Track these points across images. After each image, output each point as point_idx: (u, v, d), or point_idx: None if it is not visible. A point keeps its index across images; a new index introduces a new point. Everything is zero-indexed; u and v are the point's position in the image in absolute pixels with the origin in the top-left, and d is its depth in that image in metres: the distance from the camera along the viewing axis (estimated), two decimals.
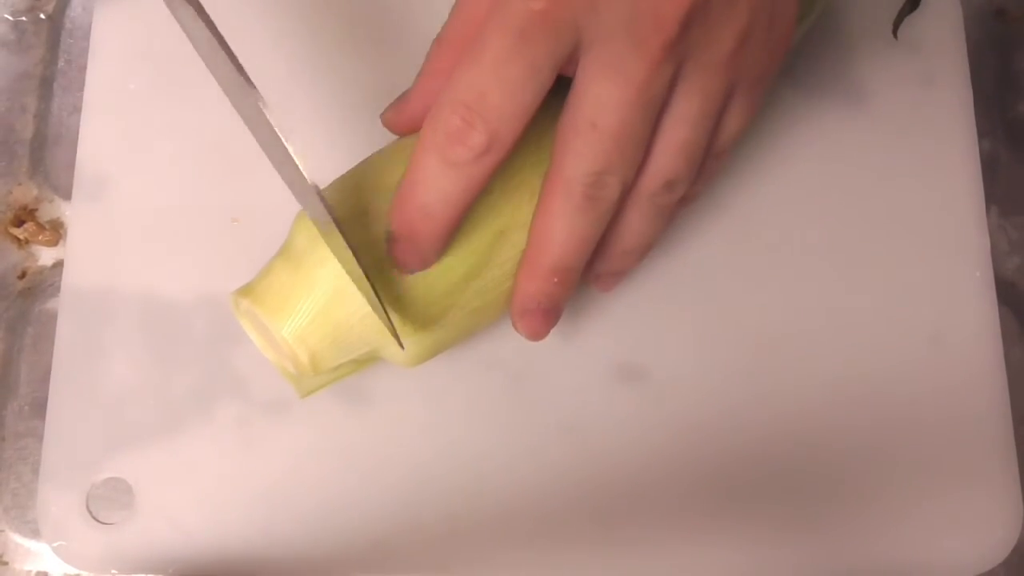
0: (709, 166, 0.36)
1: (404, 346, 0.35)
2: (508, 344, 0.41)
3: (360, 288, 0.33)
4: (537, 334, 0.35)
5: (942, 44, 0.45)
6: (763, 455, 0.41)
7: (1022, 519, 0.40)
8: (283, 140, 0.31)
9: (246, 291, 0.36)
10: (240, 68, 0.32)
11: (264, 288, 0.35)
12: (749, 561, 0.40)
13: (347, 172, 0.37)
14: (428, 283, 0.35)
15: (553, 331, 0.41)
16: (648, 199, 0.34)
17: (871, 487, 0.40)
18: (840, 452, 0.41)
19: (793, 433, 0.41)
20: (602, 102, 0.30)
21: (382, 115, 0.36)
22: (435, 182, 0.32)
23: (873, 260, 0.43)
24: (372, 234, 0.34)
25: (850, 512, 0.40)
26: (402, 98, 0.36)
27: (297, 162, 0.32)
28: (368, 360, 0.38)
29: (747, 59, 0.33)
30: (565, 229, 0.33)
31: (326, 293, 0.35)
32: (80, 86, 0.45)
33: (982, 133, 0.45)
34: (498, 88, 0.30)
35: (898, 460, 0.41)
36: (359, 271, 0.32)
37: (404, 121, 0.36)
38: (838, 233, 0.43)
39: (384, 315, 0.33)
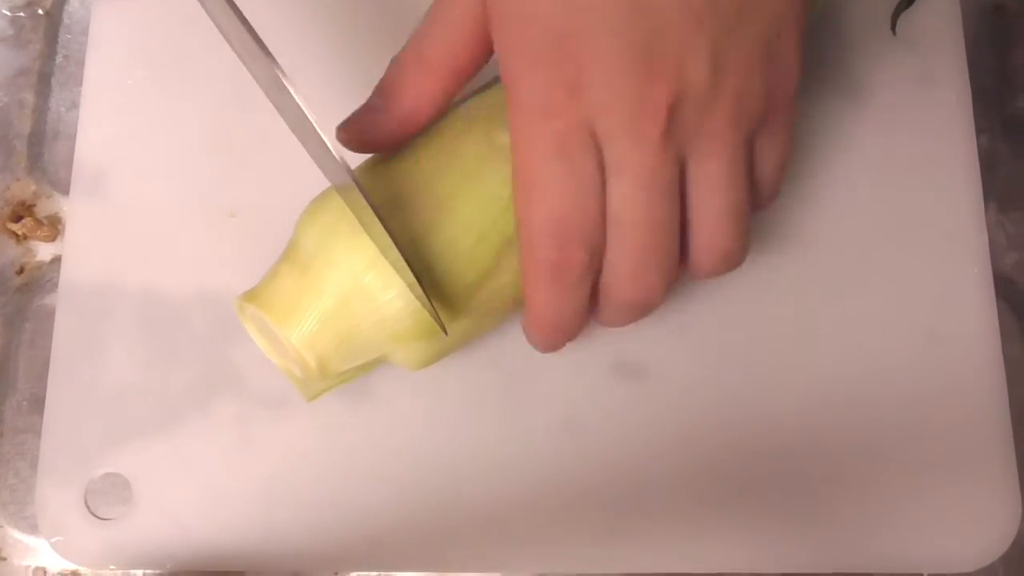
0: (765, 204, 0.36)
1: (418, 350, 0.35)
2: (507, 342, 0.41)
3: (398, 269, 0.33)
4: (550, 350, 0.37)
5: (940, 40, 0.45)
6: (761, 452, 0.41)
7: (1020, 515, 0.40)
8: (313, 122, 0.32)
9: (252, 296, 0.36)
10: (264, 46, 0.32)
11: (271, 293, 0.35)
12: (748, 558, 0.40)
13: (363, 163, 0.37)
14: (438, 290, 0.34)
15: None
16: (708, 276, 0.36)
17: (869, 483, 0.40)
18: (838, 448, 0.41)
19: (791, 429, 0.41)
20: (621, 198, 0.32)
21: (344, 130, 0.36)
22: (560, 307, 0.34)
23: (870, 257, 0.43)
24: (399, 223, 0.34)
25: (848, 508, 0.40)
26: (377, 111, 0.36)
27: (329, 145, 0.32)
28: (375, 363, 0.38)
29: (755, 104, 0.33)
30: (601, 322, 0.36)
31: (335, 298, 0.34)
32: (78, 82, 0.45)
33: (980, 129, 0.45)
34: (571, 205, 0.32)
35: (896, 456, 0.41)
36: (396, 252, 0.33)
37: (381, 137, 0.35)
38: (836, 230, 0.43)
39: (424, 297, 0.33)
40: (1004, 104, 0.46)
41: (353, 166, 0.34)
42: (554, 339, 0.36)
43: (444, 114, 0.36)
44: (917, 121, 0.44)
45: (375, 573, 0.40)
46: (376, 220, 0.32)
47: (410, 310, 0.34)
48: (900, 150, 0.44)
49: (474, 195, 0.34)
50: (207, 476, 0.40)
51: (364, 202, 0.32)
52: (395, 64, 0.35)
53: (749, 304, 0.42)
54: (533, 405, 0.41)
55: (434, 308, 0.34)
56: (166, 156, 0.44)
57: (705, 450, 0.41)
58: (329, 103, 0.34)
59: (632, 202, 0.32)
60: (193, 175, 0.43)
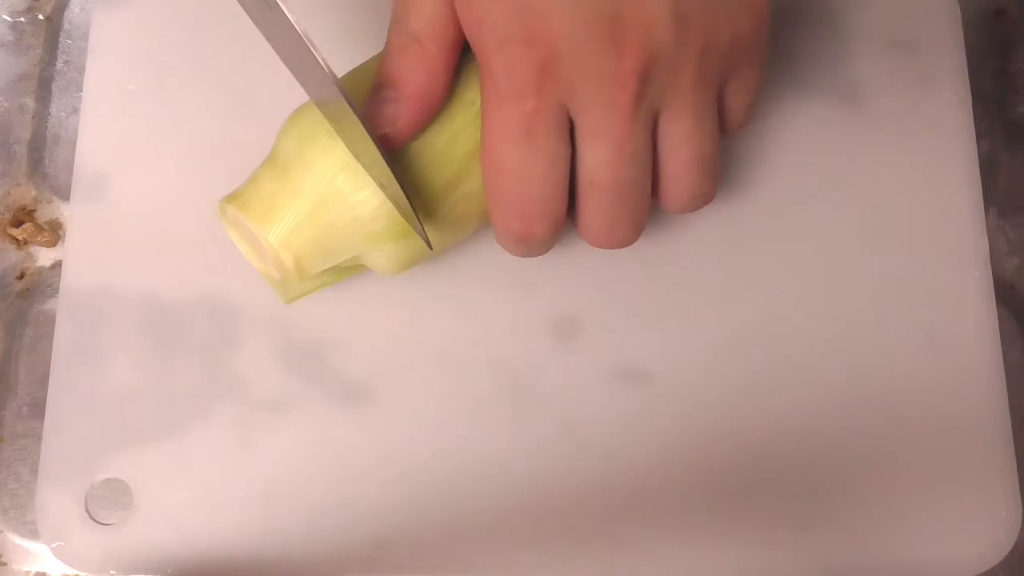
0: (735, 132, 0.38)
1: (393, 252, 0.37)
2: (508, 344, 0.41)
3: (371, 171, 0.35)
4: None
5: (940, 44, 0.45)
6: (760, 457, 0.41)
7: (1021, 519, 0.40)
8: (297, 28, 0.32)
9: (233, 198, 0.37)
10: None
11: (251, 194, 0.37)
12: (749, 560, 0.40)
13: (349, 71, 0.37)
14: (413, 191, 0.36)
15: (553, 332, 0.41)
16: (680, 213, 0.38)
17: (869, 488, 0.40)
18: (838, 453, 0.41)
19: (792, 433, 0.41)
20: (594, 164, 0.34)
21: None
22: (530, 256, 0.37)
23: (871, 261, 0.43)
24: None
25: (849, 512, 0.40)
26: (393, 102, 0.35)
27: (314, 51, 0.32)
28: (352, 269, 0.39)
29: (722, 56, 0.34)
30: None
31: (310, 199, 0.36)
32: (78, 87, 0.45)
33: (982, 134, 0.45)
34: (534, 185, 0.34)
35: (897, 460, 0.41)
36: (380, 159, 0.34)
37: (406, 126, 0.35)
38: (837, 234, 0.43)
39: (401, 196, 0.34)
40: (1005, 109, 0.46)
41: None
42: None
43: None
44: (917, 125, 0.44)
45: None
46: (357, 124, 0.33)
47: (383, 210, 0.36)
48: (900, 154, 0.44)
49: (448, 99, 0.36)
50: (207, 481, 0.40)
51: (346, 108, 0.33)
52: (390, 54, 0.35)
53: (750, 309, 0.42)
54: (533, 409, 0.41)
55: (412, 208, 0.35)
56: (166, 161, 0.44)
57: (705, 455, 0.40)
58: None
59: (605, 167, 0.34)
60: (194, 180, 0.43)
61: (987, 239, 0.43)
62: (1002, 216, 0.45)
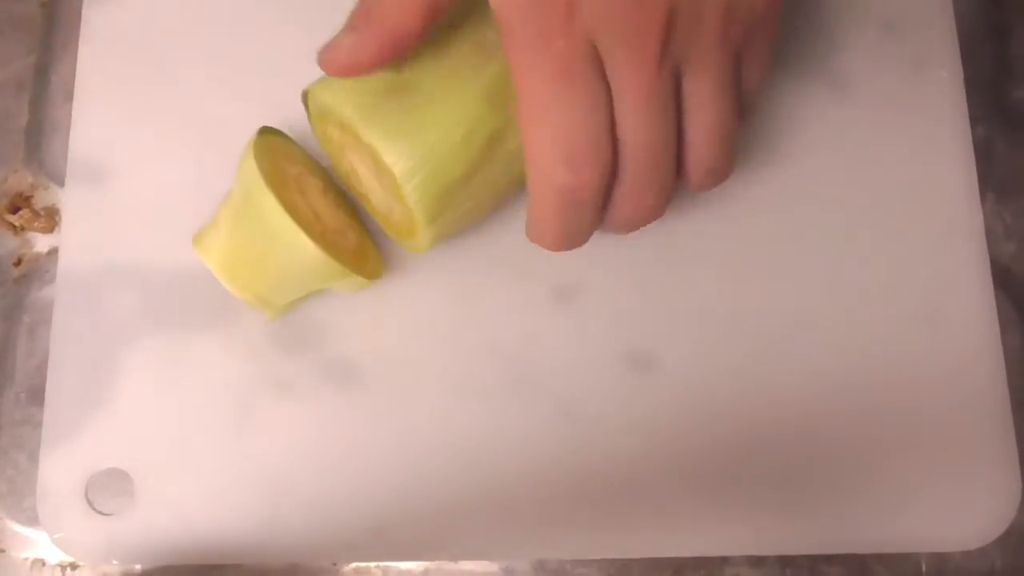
0: (745, 116, 0.37)
1: (355, 282, 0.39)
2: (510, 328, 0.41)
3: (303, 223, 0.36)
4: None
5: (931, 26, 0.45)
6: (761, 436, 0.41)
7: (1019, 498, 0.41)
8: None
9: (197, 242, 0.39)
10: None
11: (210, 241, 0.38)
12: (748, 541, 0.40)
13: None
14: (425, 186, 0.35)
15: (557, 316, 0.41)
16: (698, 191, 0.37)
17: (869, 466, 0.40)
18: (838, 432, 0.41)
19: (791, 415, 0.41)
20: (624, 117, 0.32)
21: (326, 54, 0.34)
22: (571, 228, 0.35)
23: (868, 246, 0.43)
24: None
25: (848, 490, 0.40)
26: (359, 31, 0.34)
27: None
28: (323, 289, 0.41)
29: (742, 20, 0.33)
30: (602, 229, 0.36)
31: (260, 247, 0.37)
32: (75, 73, 0.44)
33: (978, 119, 0.45)
34: (582, 127, 0.32)
35: (896, 439, 0.41)
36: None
37: (366, 59, 0.34)
38: (833, 218, 0.43)
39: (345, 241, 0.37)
40: (1001, 94, 0.46)
41: None
42: (561, 249, 0.36)
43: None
44: (910, 107, 0.44)
45: (375, 563, 0.40)
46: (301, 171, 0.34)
47: (320, 257, 0.37)
48: (894, 138, 0.44)
49: (460, 92, 0.35)
50: (208, 469, 0.40)
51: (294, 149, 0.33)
52: None
53: (751, 293, 0.42)
54: (532, 391, 0.41)
55: (367, 243, 0.36)
56: (161, 146, 0.43)
57: (704, 435, 0.41)
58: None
59: (635, 123, 0.33)
60: (188, 164, 0.43)
61: (982, 220, 0.43)
62: (999, 201, 0.45)
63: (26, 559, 0.40)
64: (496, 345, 0.41)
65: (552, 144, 0.32)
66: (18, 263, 0.44)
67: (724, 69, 0.34)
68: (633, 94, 0.32)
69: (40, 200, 0.44)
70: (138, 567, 0.40)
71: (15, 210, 0.44)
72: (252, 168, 0.37)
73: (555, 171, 0.33)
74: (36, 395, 0.41)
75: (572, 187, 0.33)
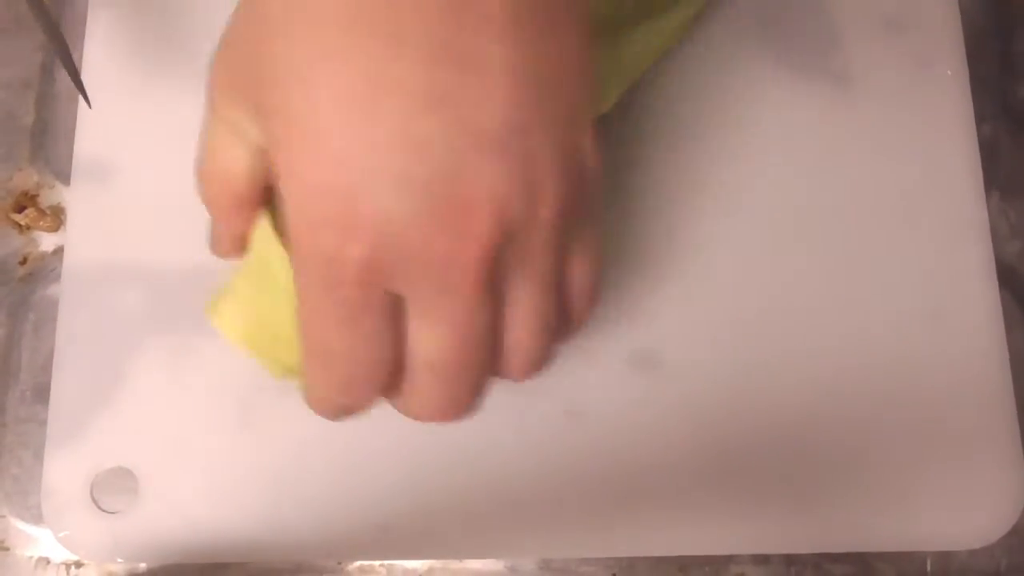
0: (581, 318, 0.33)
1: None
2: None
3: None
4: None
5: (936, 23, 0.45)
6: (764, 434, 0.41)
7: None
8: None
9: (212, 309, 0.36)
10: None
11: (225, 310, 0.35)
12: (751, 539, 0.40)
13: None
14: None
15: None
16: (526, 378, 0.33)
17: (873, 464, 0.40)
18: (844, 432, 0.41)
19: (794, 412, 0.41)
20: (434, 347, 0.29)
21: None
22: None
23: (873, 245, 0.43)
24: None
25: (852, 488, 0.40)
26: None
27: None
28: None
29: (569, 222, 0.29)
30: None
31: (272, 331, 0.34)
32: (80, 72, 0.44)
33: (984, 117, 0.45)
34: (361, 369, 0.30)
35: (901, 435, 0.41)
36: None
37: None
38: (836, 218, 0.43)
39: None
40: (1007, 92, 0.46)
41: None
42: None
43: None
44: (915, 103, 0.44)
45: (379, 561, 0.40)
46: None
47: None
48: (899, 136, 0.44)
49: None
50: (213, 467, 0.40)
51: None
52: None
53: (755, 290, 0.42)
54: (537, 391, 0.41)
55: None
56: (167, 144, 0.43)
57: (708, 434, 0.41)
58: None
59: (444, 350, 0.29)
60: (194, 163, 0.43)
61: (987, 217, 0.43)
62: (1004, 200, 0.45)
63: (31, 557, 0.40)
64: None
65: (328, 377, 0.31)
66: (23, 262, 0.44)
67: (548, 277, 0.30)
68: (443, 324, 0.29)
69: (46, 199, 0.45)
70: (143, 566, 0.40)
71: (20, 209, 0.44)
72: (268, 234, 0.34)
73: (329, 393, 0.31)
74: (41, 393, 0.41)
75: (347, 407, 0.32)
